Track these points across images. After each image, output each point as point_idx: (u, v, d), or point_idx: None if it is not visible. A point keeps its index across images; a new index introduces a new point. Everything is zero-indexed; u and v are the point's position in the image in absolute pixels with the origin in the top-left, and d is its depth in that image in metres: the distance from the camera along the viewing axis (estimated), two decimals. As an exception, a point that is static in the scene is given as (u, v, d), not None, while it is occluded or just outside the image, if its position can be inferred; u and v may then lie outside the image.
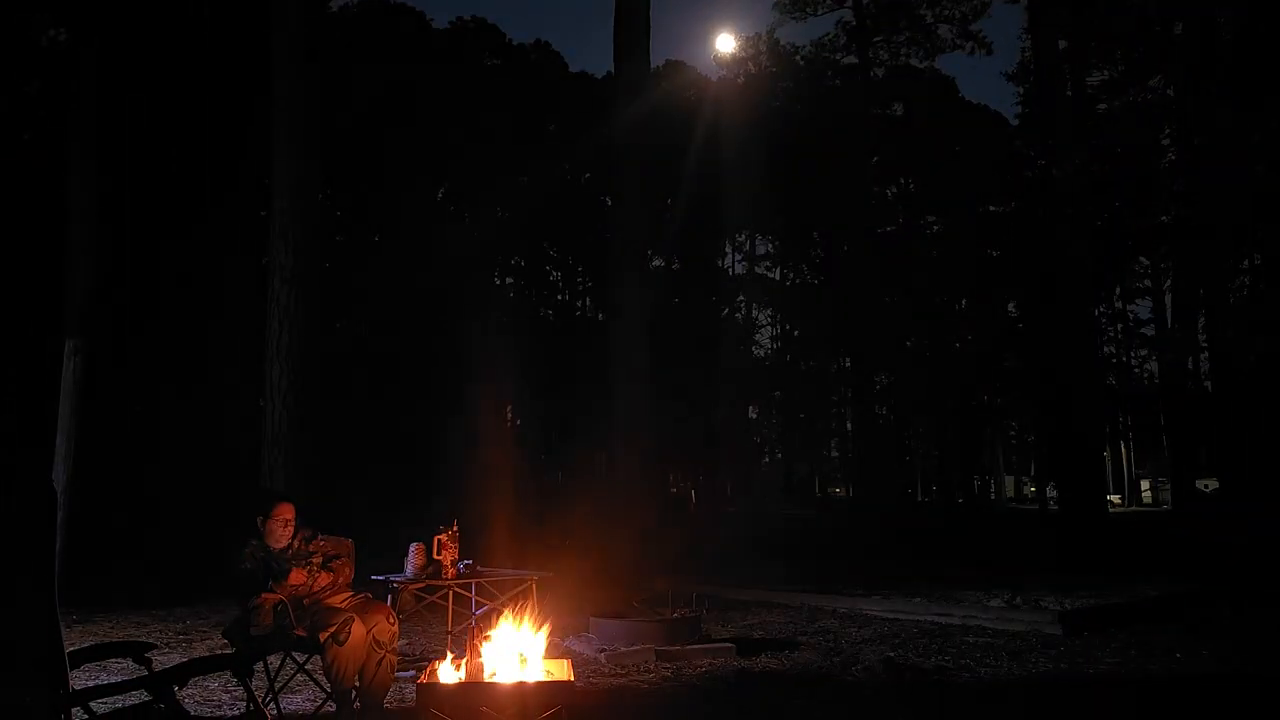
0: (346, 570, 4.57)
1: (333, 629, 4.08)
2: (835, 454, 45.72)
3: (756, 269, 40.98)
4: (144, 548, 12.05)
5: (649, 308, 13.99)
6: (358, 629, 4.13)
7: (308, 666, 4.51)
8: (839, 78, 31.27)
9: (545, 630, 3.93)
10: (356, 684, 4.29)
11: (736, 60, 33.34)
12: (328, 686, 4.36)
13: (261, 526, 4.45)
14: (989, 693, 5.05)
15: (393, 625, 4.32)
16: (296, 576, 4.34)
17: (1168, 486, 37.06)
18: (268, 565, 4.35)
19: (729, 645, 6.18)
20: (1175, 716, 4.87)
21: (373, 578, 5.23)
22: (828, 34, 30.11)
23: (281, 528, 4.45)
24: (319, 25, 10.87)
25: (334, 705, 4.30)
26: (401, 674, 5.31)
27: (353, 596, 4.46)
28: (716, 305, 37.71)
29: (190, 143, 16.69)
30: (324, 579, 4.44)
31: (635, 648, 5.94)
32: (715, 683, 5.33)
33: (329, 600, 4.36)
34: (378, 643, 4.21)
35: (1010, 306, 34.72)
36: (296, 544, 4.49)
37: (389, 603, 4.87)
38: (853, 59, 29.46)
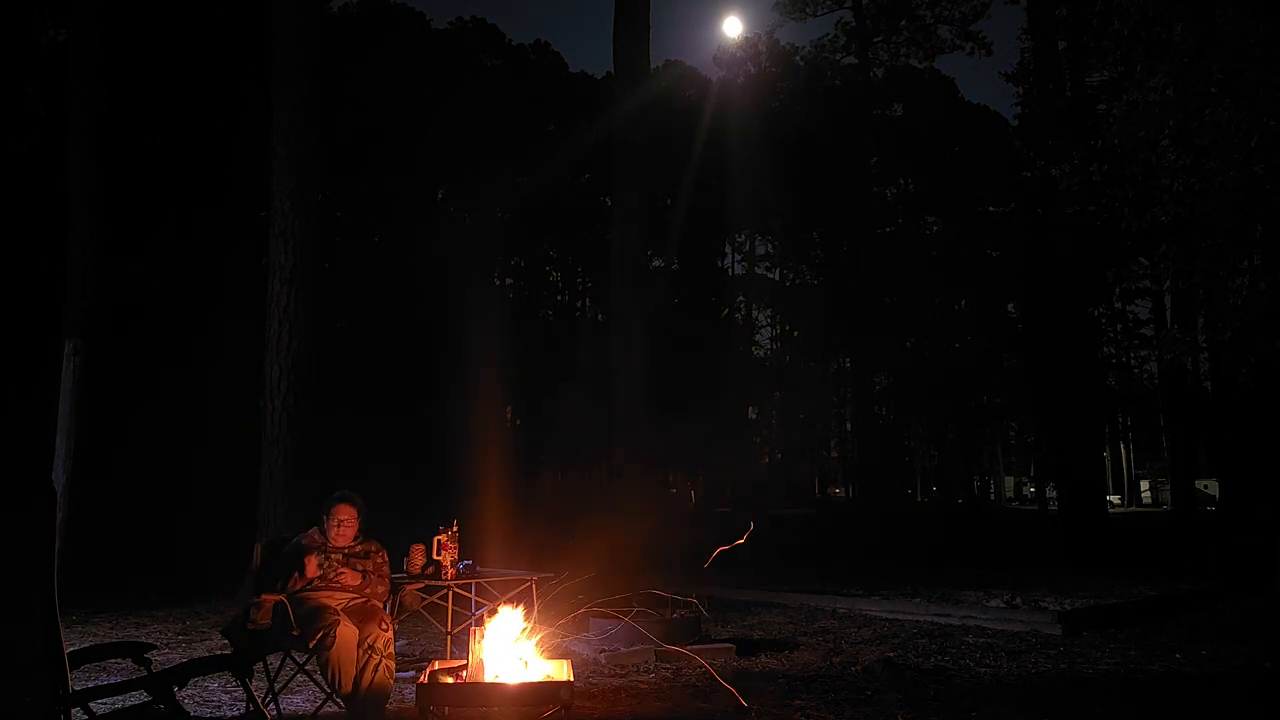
0: (380, 587, 4.63)
1: (320, 634, 4.08)
2: (835, 454, 45.74)
3: (756, 269, 41.00)
4: (144, 548, 12.05)
5: (648, 308, 14.00)
6: (344, 631, 4.12)
7: (308, 667, 4.50)
8: (839, 78, 31.28)
9: (542, 630, 3.94)
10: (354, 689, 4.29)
11: (736, 61, 33.35)
12: (327, 687, 4.36)
13: (324, 523, 4.62)
14: (988, 693, 5.05)
15: (386, 631, 4.30)
16: (310, 569, 4.43)
17: (1167, 487, 37.06)
18: (300, 558, 4.47)
19: (729, 645, 6.18)
20: (1175, 716, 4.87)
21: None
22: (828, 34, 30.15)
23: (336, 527, 4.59)
24: (318, 25, 10.86)
25: (334, 706, 4.31)
26: (401, 674, 5.31)
27: (351, 599, 4.46)
28: (716, 305, 37.71)
29: (190, 144, 16.70)
30: (350, 578, 4.49)
31: (635, 648, 5.94)
32: (715, 683, 5.33)
33: (324, 599, 4.35)
34: (372, 648, 4.20)
35: (1010, 306, 34.74)
36: (358, 548, 4.63)
37: (387, 604, 4.87)
38: (853, 59, 29.49)
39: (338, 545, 4.59)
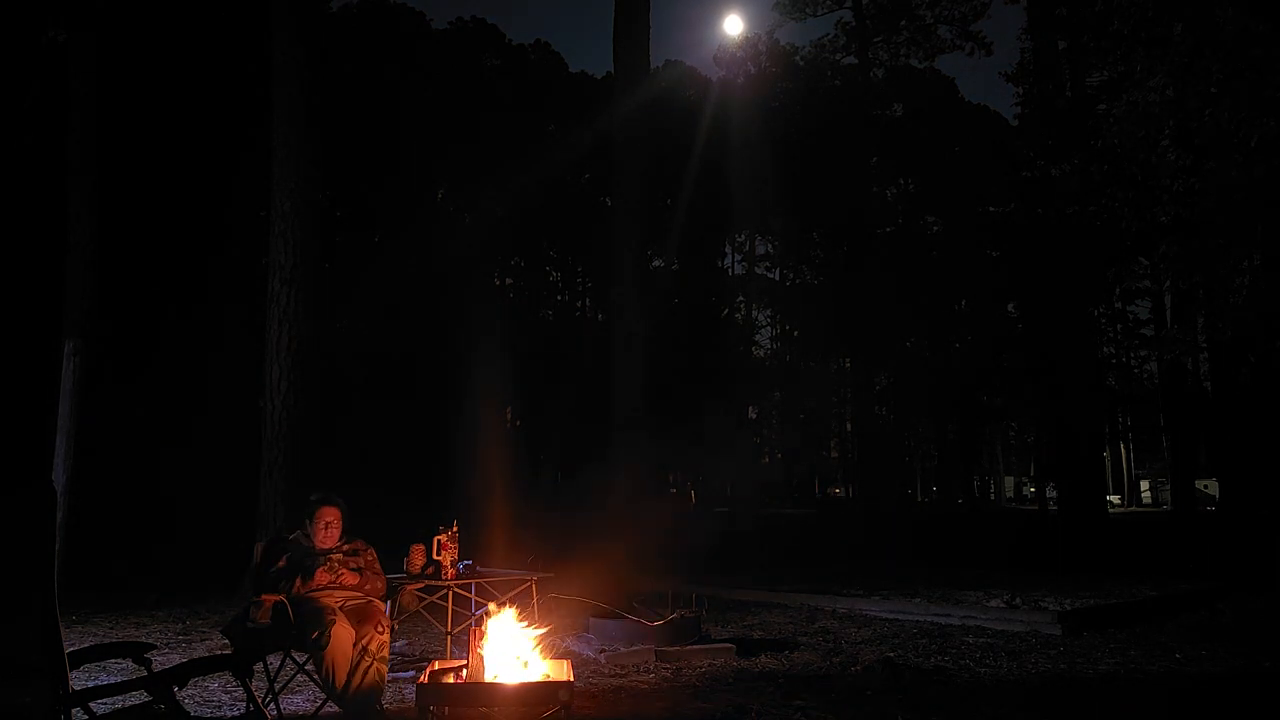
0: (378, 583, 4.64)
1: (316, 634, 4.09)
2: (835, 454, 45.74)
3: (756, 269, 40.99)
4: (144, 548, 12.06)
5: (648, 307, 13.99)
6: (340, 631, 4.13)
7: (307, 667, 4.50)
8: (839, 78, 31.25)
9: (543, 630, 3.94)
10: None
11: (736, 61, 33.33)
12: (322, 686, 4.37)
13: (307, 526, 4.59)
14: (988, 693, 5.05)
15: (382, 634, 4.32)
16: (321, 577, 4.44)
17: (1167, 487, 37.07)
18: (300, 561, 4.47)
19: (729, 646, 6.17)
20: (1175, 716, 4.87)
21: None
22: (828, 34, 30.09)
23: (323, 529, 4.59)
24: (318, 25, 10.86)
25: (334, 706, 4.32)
26: (401, 674, 5.32)
27: (350, 598, 4.47)
28: (716, 305, 37.71)
29: (191, 143, 16.70)
30: (350, 579, 4.50)
31: (635, 648, 5.94)
32: (715, 683, 5.33)
33: (324, 599, 4.35)
34: (366, 650, 4.21)
35: (1010, 306, 34.71)
36: (345, 547, 4.63)
37: (388, 604, 4.87)
38: (853, 59, 29.46)
39: (325, 546, 4.58)
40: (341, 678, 4.12)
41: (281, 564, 4.43)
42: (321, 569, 4.46)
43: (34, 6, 15.53)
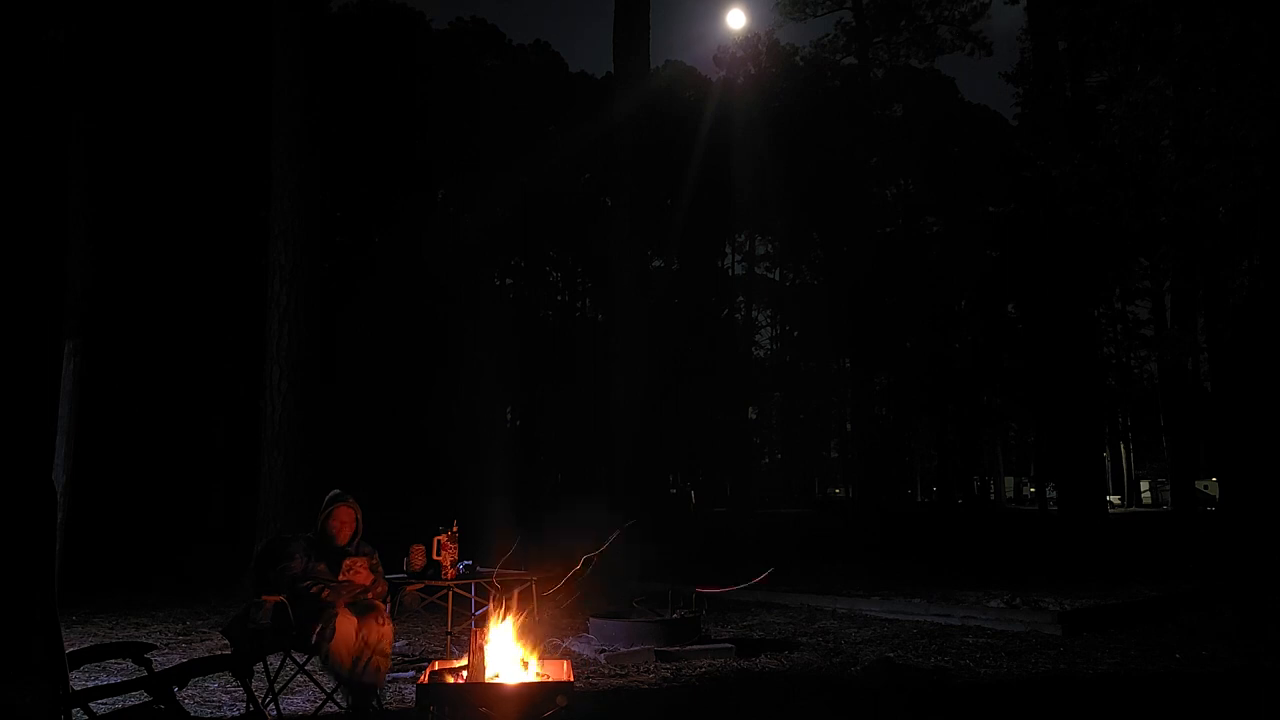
0: (381, 586, 4.65)
1: (320, 626, 4.10)
2: (835, 454, 45.74)
3: (756, 269, 41.03)
4: (144, 548, 12.07)
5: (648, 308, 14.01)
6: (343, 623, 4.14)
7: (308, 667, 4.51)
8: (839, 78, 31.27)
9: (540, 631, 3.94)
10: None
11: (737, 61, 33.34)
12: (328, 686, 4.37)
13: (321, 526, 4.61)
14: (989, 693, 5.05)
15: (382, 626, 4.34)
16: (337, 575, 4.47)
17: (1167, 487, 37.07)
18: (313, 560, 4.49)
19: (729, 646, 6.17)
20: (1175, 716, 4.87)
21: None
22: (828, 34, 30.06)
23: (337, 529, 4.60)
24: (319, 25, 10.85)
25: (334, 706, 4.32)
26: (401, 674, 5.32)
27: (355, 598, 4.47)
28: (716, 305, 37.72)
29: (191, 144, 16.70)
30: (364, 577, 4.53)
31: (635, 648, 5.94)
32: (715, 683, 5.33)
33: (326, 598, 4.36)
34: (367, 643, 4.23)
35: (1010, 307, 34.73)
36: (360, 550, 4.65)
37: (388, 604, 4.88)
38: (852, 60, 29.44)
39: (339, 545, 4.60)
40: (347, 661, 4.15)
41: (295, 563, 4.43)
42: (345, 565, 4.48)
43: (34, 6, 15.52)
